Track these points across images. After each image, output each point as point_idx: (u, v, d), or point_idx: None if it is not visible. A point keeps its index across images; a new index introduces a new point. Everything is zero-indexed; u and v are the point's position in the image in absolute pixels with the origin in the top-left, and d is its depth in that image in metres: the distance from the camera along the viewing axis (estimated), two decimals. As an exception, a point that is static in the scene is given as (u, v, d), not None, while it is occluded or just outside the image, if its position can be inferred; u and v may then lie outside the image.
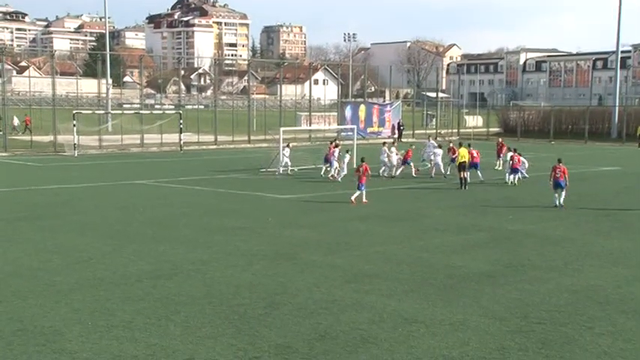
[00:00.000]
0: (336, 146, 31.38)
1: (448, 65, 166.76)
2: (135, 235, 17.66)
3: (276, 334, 10.17)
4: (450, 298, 12.23)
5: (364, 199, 23.44)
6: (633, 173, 34.94)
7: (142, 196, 25.14)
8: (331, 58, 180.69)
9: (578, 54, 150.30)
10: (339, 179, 29.52)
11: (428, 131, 66.70)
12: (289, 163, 32.58)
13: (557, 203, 22.55)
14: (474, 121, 77.70)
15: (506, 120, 71.41)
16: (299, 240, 17.21)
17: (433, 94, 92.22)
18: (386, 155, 31.60)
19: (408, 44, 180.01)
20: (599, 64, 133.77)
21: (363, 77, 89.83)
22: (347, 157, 30.46)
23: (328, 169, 31.12)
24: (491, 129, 68.67)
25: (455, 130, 68.52)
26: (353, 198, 23.24)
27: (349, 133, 43.95)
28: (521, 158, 29.76)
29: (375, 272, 13.98)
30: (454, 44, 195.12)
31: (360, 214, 21.27)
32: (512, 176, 28.80)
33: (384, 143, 33.75)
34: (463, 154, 27.86)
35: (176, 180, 30.38)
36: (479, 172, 29.58)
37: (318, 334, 10.20)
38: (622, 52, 73.04)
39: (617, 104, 63.62)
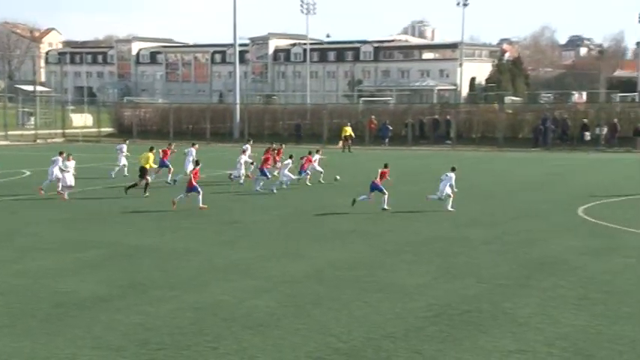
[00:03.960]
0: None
1: (47, 53, 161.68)
2: None
3: None
4: (56, 331, 11.97)
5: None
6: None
7: None
8: None
9: (195, 45, 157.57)
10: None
11: (25, 132, 64.21)
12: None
13: (357, 199, 24.63)
14: (83, 120, 76.99)
15: (120, 119, 72.44)
16: None
17: (30, 88, 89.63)
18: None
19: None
20: (218, 57, 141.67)
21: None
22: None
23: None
24: (103, 129, 68.93)
25: (60, 131, 67.02)
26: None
27: None
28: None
29: (-41, 309, 13.01)
30: (53, 28, 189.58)
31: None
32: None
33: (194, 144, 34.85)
34: (143, 158, 29.41)
35: None
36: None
37: None
38: (240, 45, 78.77)
39: (238, 102, 68.54)
